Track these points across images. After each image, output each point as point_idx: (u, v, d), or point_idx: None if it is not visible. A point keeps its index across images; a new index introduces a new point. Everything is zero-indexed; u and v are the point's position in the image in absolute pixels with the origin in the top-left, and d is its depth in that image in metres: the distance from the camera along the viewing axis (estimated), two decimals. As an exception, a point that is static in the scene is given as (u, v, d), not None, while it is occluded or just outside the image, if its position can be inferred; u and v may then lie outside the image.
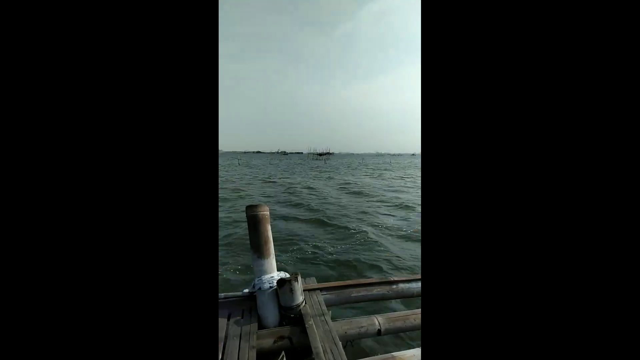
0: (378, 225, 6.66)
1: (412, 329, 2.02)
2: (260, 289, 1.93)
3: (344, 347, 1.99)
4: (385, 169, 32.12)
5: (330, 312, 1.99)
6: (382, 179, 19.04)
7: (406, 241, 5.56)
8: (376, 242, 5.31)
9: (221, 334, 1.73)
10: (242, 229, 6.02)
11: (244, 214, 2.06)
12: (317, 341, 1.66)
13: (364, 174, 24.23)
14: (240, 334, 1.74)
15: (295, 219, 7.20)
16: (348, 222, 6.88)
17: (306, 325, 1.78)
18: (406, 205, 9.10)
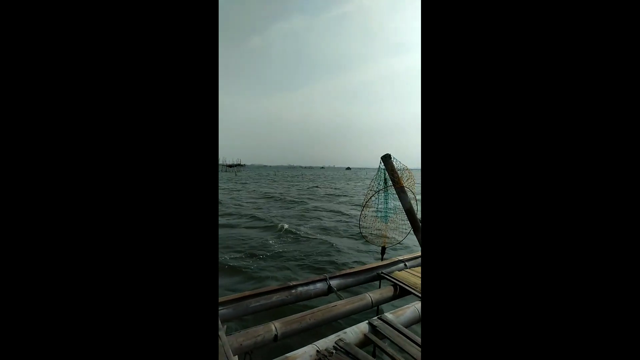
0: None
1: (308, 328, 2.13)
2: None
3: (243, 359, 1.93)
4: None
5: (225, 326, 1.91)
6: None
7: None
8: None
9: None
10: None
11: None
12: None
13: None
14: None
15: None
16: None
17: (196, 345, 1.66)
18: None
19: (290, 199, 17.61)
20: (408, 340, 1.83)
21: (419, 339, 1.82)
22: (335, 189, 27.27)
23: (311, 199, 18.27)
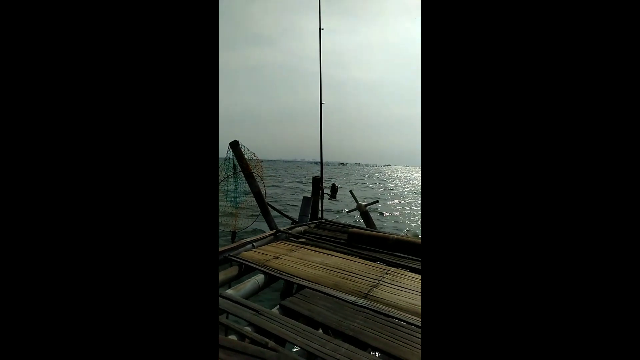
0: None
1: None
2: None
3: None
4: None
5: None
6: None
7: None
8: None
9: None
10: None
11: None
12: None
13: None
14: None
15: None
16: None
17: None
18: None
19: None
20: (243, 308, 2.05)
21: (253, 304, 2.08)
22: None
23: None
